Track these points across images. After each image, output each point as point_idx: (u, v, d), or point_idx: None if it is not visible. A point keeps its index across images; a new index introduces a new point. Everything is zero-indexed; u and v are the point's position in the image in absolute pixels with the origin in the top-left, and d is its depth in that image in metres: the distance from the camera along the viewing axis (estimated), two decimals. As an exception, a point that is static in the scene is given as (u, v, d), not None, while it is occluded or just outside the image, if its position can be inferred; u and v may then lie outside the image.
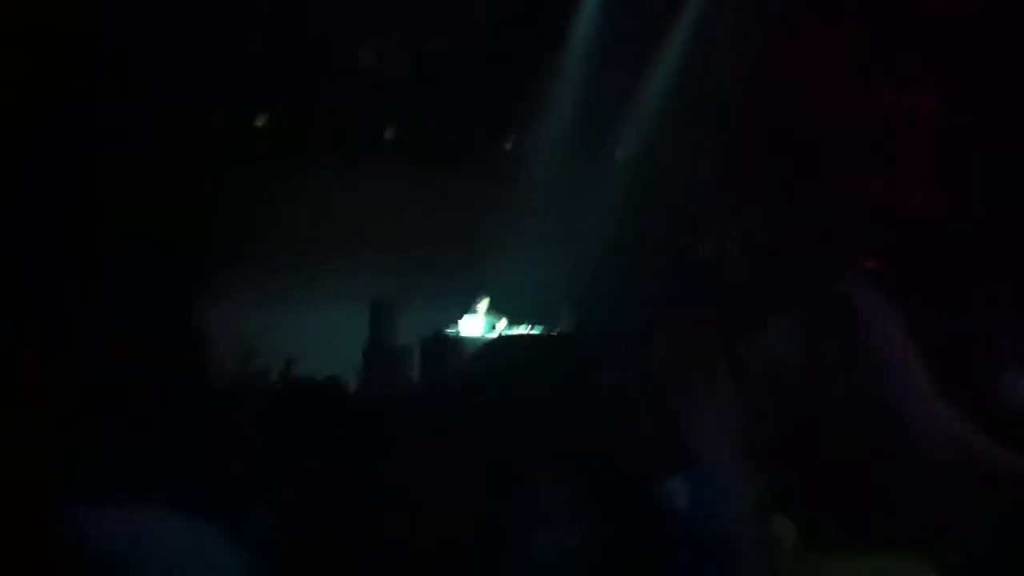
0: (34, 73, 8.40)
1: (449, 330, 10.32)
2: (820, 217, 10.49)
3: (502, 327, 10.45)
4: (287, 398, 4.46)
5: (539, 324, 10.47)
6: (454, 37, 10.45)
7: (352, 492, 2.71)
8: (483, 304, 10.53)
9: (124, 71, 9.08)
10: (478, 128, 11.47)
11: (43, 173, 8.50)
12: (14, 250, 8.17)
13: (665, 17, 10.99)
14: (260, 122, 10.84)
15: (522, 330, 10.39)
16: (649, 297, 10.55)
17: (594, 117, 11.22)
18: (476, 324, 10.42)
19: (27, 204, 8.38)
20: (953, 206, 10.02)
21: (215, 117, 10.44)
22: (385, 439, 3.12)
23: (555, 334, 10.15)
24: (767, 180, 10.87)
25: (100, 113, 9.00)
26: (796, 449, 1.91)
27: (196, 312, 9.73)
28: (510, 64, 10.71)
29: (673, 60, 11.17)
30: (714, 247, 11.62)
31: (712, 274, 11.26)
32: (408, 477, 2.72)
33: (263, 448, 3.40)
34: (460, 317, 10.56)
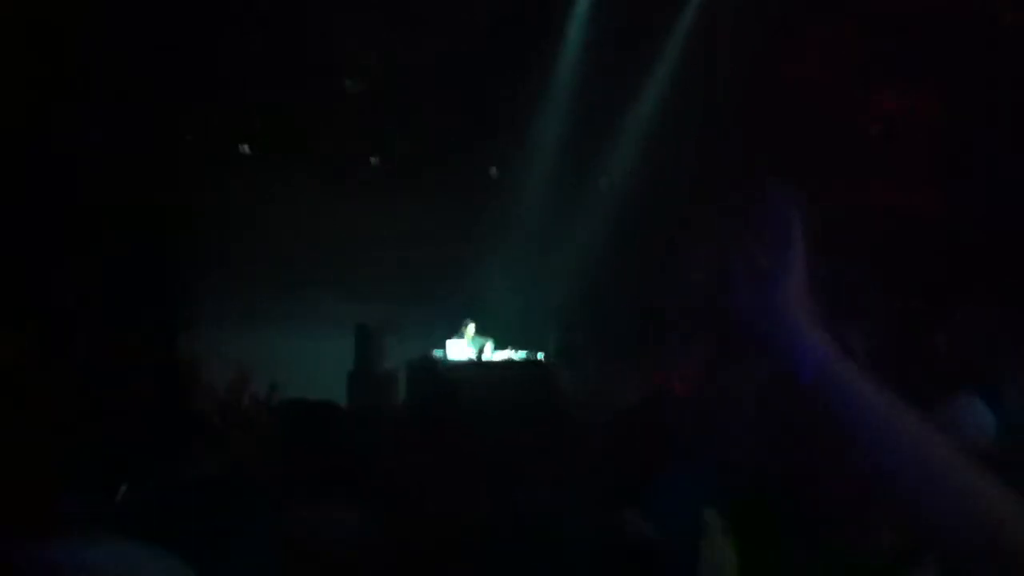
0: (42, 74, 8.43)
1: (435, 353, 10.39)
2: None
3: (488, 350, 10.53)
4: (275, 421, 4.53)
5: (525, 348, 10.56)
6: (440, 64, 10.54)
7: (343, 509, 2.78)
8: (469, 328, 10.61)
9: (124, 78, 9.14)
10: (463, 154, 11.56)
11: (45, 176, 8.53)
12: (14, 251, 8.20)
13: (650, 45, 11.09)
14: (247, 149, 10.93)
15: (508, 353, 10.47)
16: (633, 319, 10.65)
17: (579, 143, 11.32)
18: (463, 347, 10.50)
19: (27, 206, 8.41)
20: (952, 208, 10.07)
21: (203, 142, 10.54)
22: (372, 458, 3.20)
23: (535, 360, 10.26)
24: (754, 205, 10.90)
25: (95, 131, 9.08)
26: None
27: (183, 335, 9.77)
28: (496, 91, 10.82)
29: (656, 87, 11.29)
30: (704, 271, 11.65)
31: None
32: (397, 493, 2.80)
33: (255, 467, 3.47)
34: (446, 341, 10.64)
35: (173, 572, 1.96)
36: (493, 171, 12.02)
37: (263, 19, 9.60)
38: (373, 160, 11.50)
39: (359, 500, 2.73)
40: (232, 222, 10.71)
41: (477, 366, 10.22)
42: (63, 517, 1.97)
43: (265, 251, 10.84)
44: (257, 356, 8.57)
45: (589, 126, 11.25)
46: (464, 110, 10.91)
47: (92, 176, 8.93)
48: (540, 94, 11.27)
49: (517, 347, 10.57)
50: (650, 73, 11.30)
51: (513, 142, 11.49)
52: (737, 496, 2.02)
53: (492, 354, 10.55)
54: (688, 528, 2.14)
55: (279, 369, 8.20)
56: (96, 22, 8.82)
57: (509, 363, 10.26)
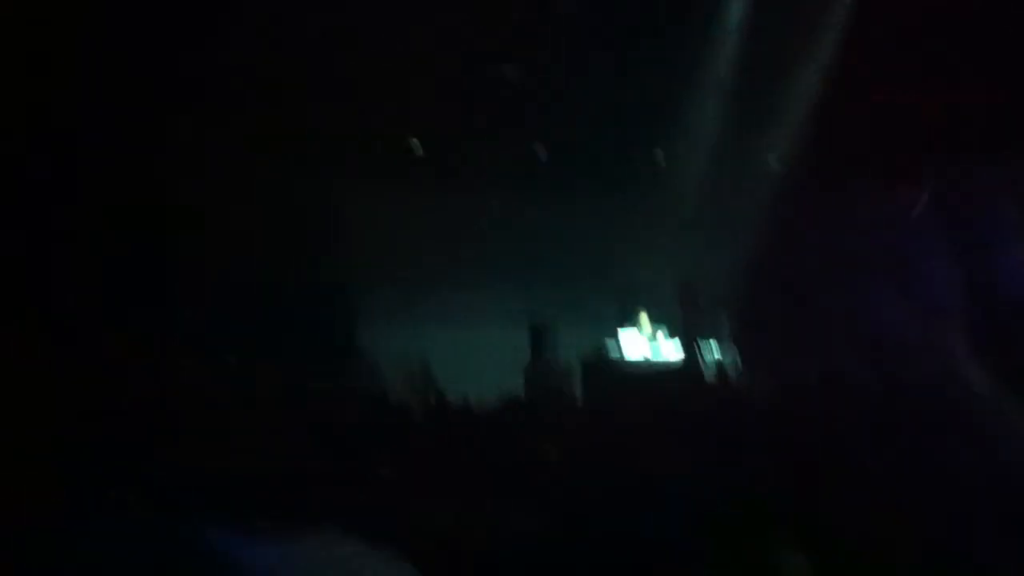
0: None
1: (610, 347, 10.25)
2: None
3: (663, 341, 10.31)
4: (453, 420, 4.50)
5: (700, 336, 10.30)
6: (600, 52, 10.40)
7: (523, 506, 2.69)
8: (642, 319, 10.42)
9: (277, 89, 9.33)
10: (628, 142, 11.40)
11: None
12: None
13: (815, 17, 10.68)
14: (415, 148, 11.06)
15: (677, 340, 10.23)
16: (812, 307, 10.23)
17: (745, 122, 11.00)
18: (637, 340, 10.32)
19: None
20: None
21: (371, 143, 10.71)
22: (553, 456, 3.09)
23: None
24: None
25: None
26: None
27: (360, 333, 9.92)
28: (657, 74, 10.60)
29: (823, 60, 10.85)
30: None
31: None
32: (578, 489, 2.67)
33: (432, 467, 3.41)
34: (618, 334, 10.48)
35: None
36: (658, 153, 11.79)
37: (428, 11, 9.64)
38: (539, 151, 11.45)
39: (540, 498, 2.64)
40: (399, 220, 10.87)
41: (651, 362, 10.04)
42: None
43: (437, 249, 10.94)
44: (431, 352, 8.70)
45: (758, 103, 10.92)
46: (629, 96, 10.74)
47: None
48: (704, 73, 10.99)
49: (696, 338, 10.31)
50: (815, 49, 10.87)
51: (679, 125, 11.25)
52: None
53: (667, 341, 10.31)
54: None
55: (452, 365, 8.31)
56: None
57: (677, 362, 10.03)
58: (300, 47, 9.33)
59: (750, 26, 10.47)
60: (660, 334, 10.39)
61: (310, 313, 8.80)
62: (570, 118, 10.88)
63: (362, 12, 9.42)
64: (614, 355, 10.16)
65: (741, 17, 10.53)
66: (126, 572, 1.62)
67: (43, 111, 7.75)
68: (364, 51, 9.59)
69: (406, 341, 9.22)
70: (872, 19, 10.10)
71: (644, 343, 10.35)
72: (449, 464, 3.04)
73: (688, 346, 9.96)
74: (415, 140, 11.05)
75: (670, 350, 10.29)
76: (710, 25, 10.66)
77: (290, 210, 9.53)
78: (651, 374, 9.63)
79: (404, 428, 3.71)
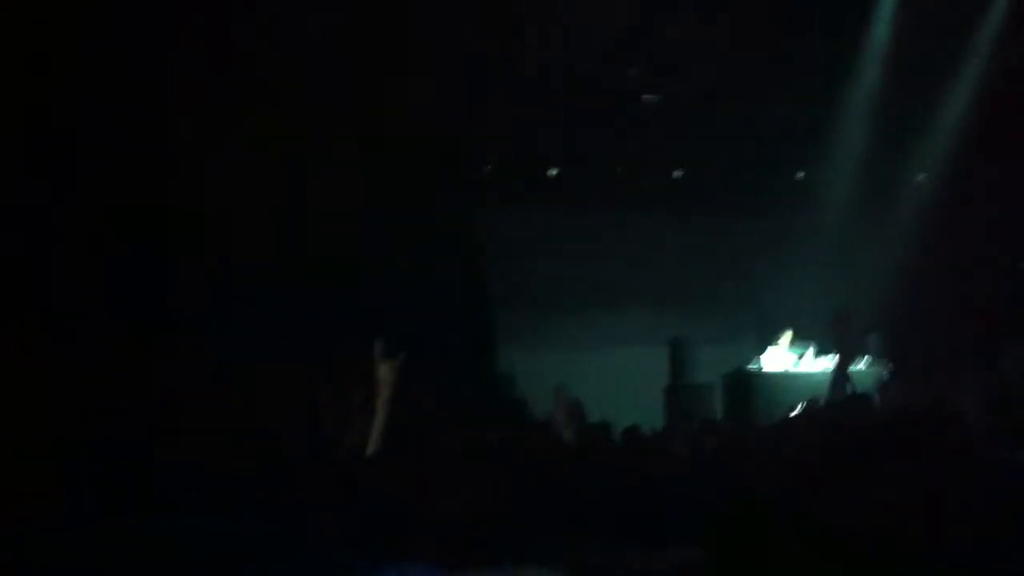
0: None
1: (751, 365, 10.14)
2: None
3: (810, 357, 10.14)
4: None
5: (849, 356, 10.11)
6: (739, 74, 10.34)
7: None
8: (787, 335, 10.27)
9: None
10: (768, 162, 11.30)
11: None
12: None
13: (956, 41, 10.40)
14: (553, 172, 11.20)
15: (831, 359, 10.03)
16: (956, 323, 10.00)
17: (885, 140, 10.77)
18: (782, 356, 10.17)
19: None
20: None
21: (508, 169, 10.88)
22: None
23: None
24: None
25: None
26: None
27: (504, 358, 10.07)
28: (797, 94, 10.49)
29: (966, 83, 10.58)
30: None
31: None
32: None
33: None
34: (756, 352, 10.36)
35: None
36: (801, 174, 11.66)
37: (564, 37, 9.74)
38: (676, 174, 11.46)
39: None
40: (550, 248, 11.01)
41: (794, 377, 9.88)
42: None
43: (576, 273, 11.06)
44: (569, 374, 8.78)
45: (898, 121, 10.68)
46: (768, 117, 10.65)
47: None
48: (845, 93, 10.82)
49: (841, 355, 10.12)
50: (957, 70, 10.58)
51: (819, 145, 11.09)
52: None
53: (814, 361, 10.14)
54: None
55: (592, 385, 8.37)
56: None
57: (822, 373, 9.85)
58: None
59: (895, 45, 10.28)
60: (803, 353, 10.22)
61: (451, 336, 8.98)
62: (714, 141, 10.85)
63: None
64: (756, 371, 10.04)
65: (886, 36, 10.35)
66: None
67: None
68: (500, 76, 9.76)
69: (550, 364, 9.39)
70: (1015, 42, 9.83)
71: (790, 360, 10.19)
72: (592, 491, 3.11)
73: (837, 369, 9.81)
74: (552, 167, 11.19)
75: (811, 367, 10.12)
76: (856, 45, 10.50)
77: (430, 237, 9.71)
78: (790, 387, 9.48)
79: (550, 452, 3.79)
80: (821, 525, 1.74)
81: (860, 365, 9.95)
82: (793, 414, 6.88)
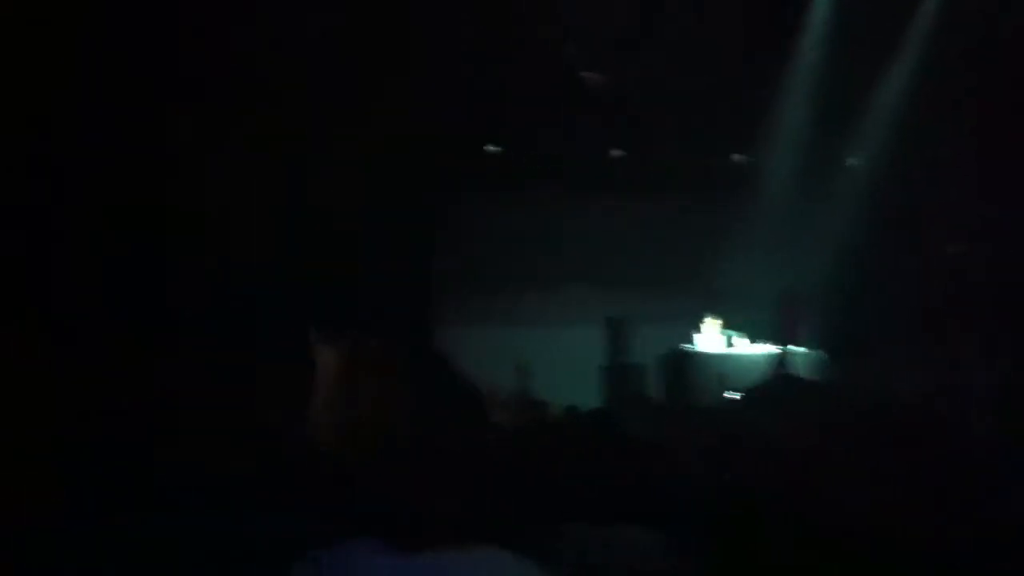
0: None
1: (688, 346, 10.22)
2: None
3: (742, 343, 10.24)
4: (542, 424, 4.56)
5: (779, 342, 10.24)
6: (677, 54, 10.37)
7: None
8: (712, 321, 10.36)
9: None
10: (705, 143, 11.36)
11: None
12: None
13: (899, 19, 10.54)
14: (493, 149, 11.16)
15: (764, 347, 10.15)
16: (891, 308, 10.18)
17: (824, 124, 10.89)
18: (715, 340, 10.26)
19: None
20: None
21: (451, 147, 10.81)
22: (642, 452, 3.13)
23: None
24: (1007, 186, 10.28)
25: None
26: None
27: (439, 333, 10.04)
28: (738, 74, 10.55)
29: (908, 63, 10.72)
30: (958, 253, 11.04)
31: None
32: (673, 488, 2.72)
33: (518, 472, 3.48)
34: (691, 334, 10.43)
35: None
36: (739, 157, 11.75)
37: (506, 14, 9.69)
38: (615, 154, 11.49)
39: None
40: (484, 225, 10.99)
41: (733, 358, 9.96)
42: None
43: (514, 252, 11.06)
44: (512, 351, 8.78)
45: (836, 105, 10.81)
46: (706, 97, 10.71)
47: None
48: (784, 76, 10.91)
49: (774, 340, 10.23)
50: (900, 51, 10.74)
51: (757, 127, 11.18)
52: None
53: (749, 343, 10.24)
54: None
55: (533, 362, 8.35)
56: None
57: (763, 355, 9.95)
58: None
59: (834, 31, 10.38)
60: (732, 336, 10.31)
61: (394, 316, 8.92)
62: (648, 125, 10.89)
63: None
64: (693, 353, 10.11)
65: (826, 22, 10.45)
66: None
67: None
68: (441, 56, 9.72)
69: (490, 341, 9.37)
70: (956, 25, 9.98)
71: (720, 342, 10.29)
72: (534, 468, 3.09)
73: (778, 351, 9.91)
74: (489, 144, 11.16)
75: (747, 349, 10.22)
76: (795, 30, 10.59)
77: (373, 217, 9.64)
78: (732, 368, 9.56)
79: (499, 430, 3.76)
80: (815, 523, 1.74)
81: (801, 348, 10.07)
82: (730, 395, 6.97)
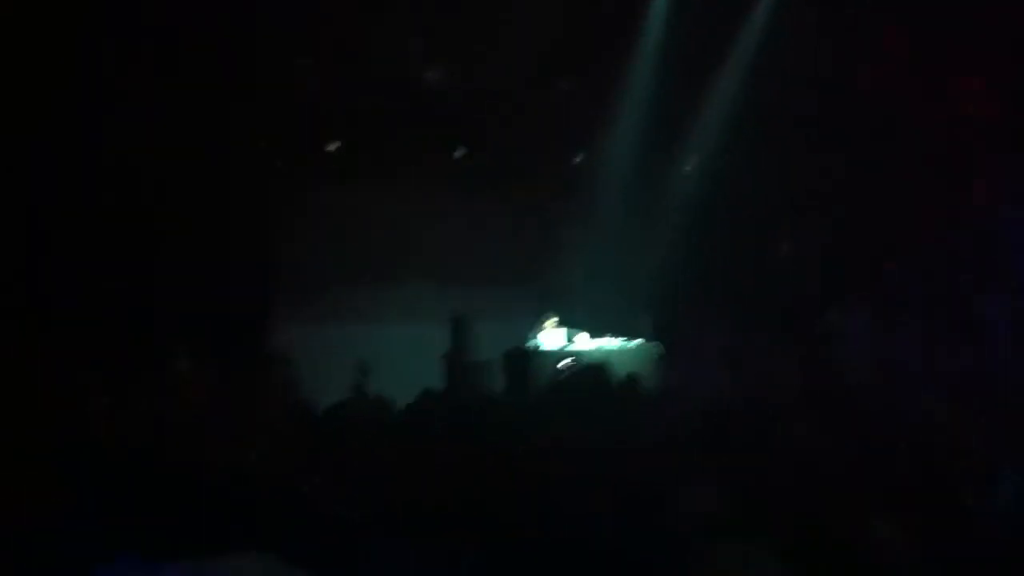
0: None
1: (529, 344, 10.36)
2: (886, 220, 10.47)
3: (583, 340, 10.44)
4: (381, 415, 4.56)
5: (619, 335, 10.48)
6: (519, 55, 10.52)
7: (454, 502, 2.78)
8: (551, 319, 10.54)
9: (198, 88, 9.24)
10: (546, 144, 11.55)
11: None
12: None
13: (731, 26, 10.93)
14: (333, 147, 11.07)
15: (604, 342, 10.37)
16: (722, 302, 10.56)
17: (661, 129, 11.21)
18: (557, 337, 10.43)
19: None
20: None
21: (288, 144, 10.68)
22: (479, 448, 3.18)
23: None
24: (834, 184, 10.84)
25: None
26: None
27: (281, 331, 9.91)
28: (576, 79, 10.77)
29: (738, 70, 11.11)
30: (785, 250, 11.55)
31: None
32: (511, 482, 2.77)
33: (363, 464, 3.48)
34: (535, 331, 10.59)
35: None
36: (579, 156, 11.93)
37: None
38: (458, 152, 11.54)
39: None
40: (325, 221, 10.89)
41: (571, 354, 10.14)
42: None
43: (356, 248, 11.00)
44: (353, 348, 8.71)
45: (672, 111, 11.14)
46: (546, 100, 10.89)
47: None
48: (622, 81, 11.17)
49: (613, 335, 10.47)
50: (733, 54, 11.13)
51: (596, 130, 11.41)
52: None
53: (590, 340, 10.44)
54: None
55: (374, 360, 8.32)
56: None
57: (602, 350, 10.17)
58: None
59: (669, 34, 10.69)
60: (582, 333, 10.52)
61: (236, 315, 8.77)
62: (489, 124, 11.01)
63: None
64: (534, 350, 10.26)
65: (662, 29, 10.75)
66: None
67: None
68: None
69: (331, 339, 9.28)
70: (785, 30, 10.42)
71: (561, 339, 10.47)
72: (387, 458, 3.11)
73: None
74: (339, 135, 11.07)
75: (587, 345, 10.43)
76: (633, 35, 10.85)
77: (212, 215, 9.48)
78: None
79: (339, 427, 3.75)
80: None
81: (632, 343, 10.33)
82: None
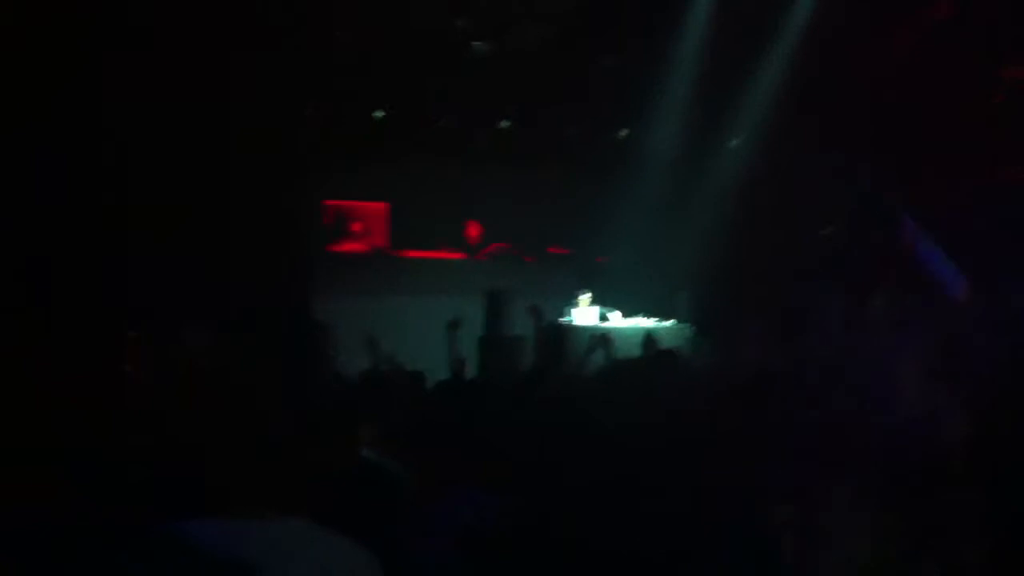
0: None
1: (564, 319, 10.35)
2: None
3: (616, 317, 10.41)
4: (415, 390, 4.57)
5: (653, 315, 10.43)
6: (565, 29, 10.46)
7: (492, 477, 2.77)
8: (584, 298, 10.51)
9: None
10: (590, 119, 11.49)
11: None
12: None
13: (779, 6, 10.81)
14: (378, 114, 11.07)
15: (638, 320, 10.33)
16: (765, 286, 10.47)
17: (707, 105, 11.11)
18: (590, 314, 10.40)
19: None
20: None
21: (326, 113, 10.69)
22: (516, 425, 3.16)
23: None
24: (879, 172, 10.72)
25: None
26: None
27: (315, 305, 9.94)
28: (622, 54, 10.69)
29: (786, 48, 10.98)
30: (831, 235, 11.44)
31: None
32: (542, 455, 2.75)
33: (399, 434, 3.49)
34: (569, 309, 10.57)
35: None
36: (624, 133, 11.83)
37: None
38: (502, 125, 11.50)
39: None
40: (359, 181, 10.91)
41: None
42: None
43: (396, 222, 11.03)
44: (386, 323, 8.71)
45: (719, 87, 11.03)
46: (592, 74, 10.83)
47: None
48: (669, 56, 11.07)
49: (647, 315, 10.43)
50: (778, 36, 11.00)
51: (641, 106, 11.33)
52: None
53: (623, 318, 10.41)
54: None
55: (408, 334, 8.33)
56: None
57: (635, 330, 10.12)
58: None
59: (718, 10, 10.60)
60: (616, 311, 10.49)
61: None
62: (534, 98, 10.97)
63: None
64: (568, 326, 10.24)
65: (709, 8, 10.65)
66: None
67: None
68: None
69: (370, 311, 9.30)
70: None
71: (594, 316, 10.44)
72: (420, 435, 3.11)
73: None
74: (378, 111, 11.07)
75: (621, 323, 10.39)
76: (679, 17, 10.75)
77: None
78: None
79: (370, 399, 3.76)
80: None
81: (668, 323, 10.28)
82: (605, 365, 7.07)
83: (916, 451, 2.22)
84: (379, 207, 11.62)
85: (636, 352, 8.12)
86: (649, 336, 9.19)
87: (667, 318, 10.34)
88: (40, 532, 1.65)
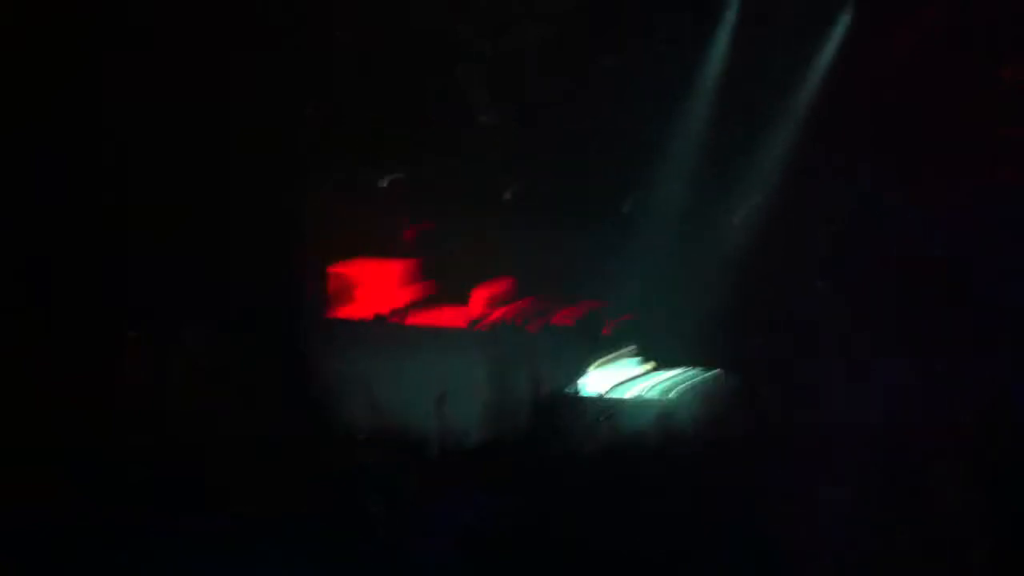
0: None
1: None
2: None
3: (647, 370, 10.42)
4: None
5: (692, 365, 10.37)
6: (575, 107, 10.54)
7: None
8: (630, 348, 10.54)
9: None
10: (596, 190, 11.46)
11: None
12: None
13: (779, 89, 10.80)
14: (384, 183, 11.20)
15: (673, 372, 10.28)
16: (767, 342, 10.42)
17: (710, 179, 11.10)
18: (619, 371, 10.40)
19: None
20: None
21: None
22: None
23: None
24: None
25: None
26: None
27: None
28: (626, 129, 10.73)
29: (789, 126, 10.96)
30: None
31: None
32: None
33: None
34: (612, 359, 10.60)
35: None
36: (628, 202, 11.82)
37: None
38: (507, 195, 11.57)
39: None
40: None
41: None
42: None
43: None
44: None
45: (724, 161, 11.03)
46: (599, 147, 10.89)
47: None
48: (672, 133, 11.07)
49: (687, 365, 10.41)
50: (790, 93, 10.95)
51: (645, 179, 11.33)
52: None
53: (654, 374, 10.39)
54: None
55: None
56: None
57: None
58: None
59: (719, 90, 10.61)
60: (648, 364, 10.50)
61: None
62: (541, 166, 11.03)
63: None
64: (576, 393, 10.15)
65: (716, 78, 10.64)
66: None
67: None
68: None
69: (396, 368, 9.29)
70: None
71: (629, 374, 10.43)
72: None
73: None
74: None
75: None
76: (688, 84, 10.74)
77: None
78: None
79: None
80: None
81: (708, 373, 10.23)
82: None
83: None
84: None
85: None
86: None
87: (707, 368, 10.29)
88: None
